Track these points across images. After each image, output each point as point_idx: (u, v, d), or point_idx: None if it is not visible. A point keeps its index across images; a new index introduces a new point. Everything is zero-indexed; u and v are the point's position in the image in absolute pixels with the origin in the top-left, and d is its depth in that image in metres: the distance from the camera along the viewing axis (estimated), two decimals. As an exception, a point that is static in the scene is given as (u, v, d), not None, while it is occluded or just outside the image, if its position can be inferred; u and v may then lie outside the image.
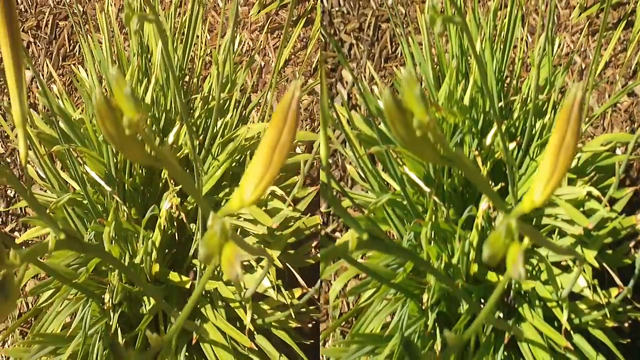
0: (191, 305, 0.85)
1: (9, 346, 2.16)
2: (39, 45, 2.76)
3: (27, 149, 0.84)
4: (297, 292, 1.88)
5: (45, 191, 2.05)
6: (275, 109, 0.63)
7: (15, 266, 0.69)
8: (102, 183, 1.86)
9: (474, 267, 1.67)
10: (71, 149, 1.78)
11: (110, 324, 1.76)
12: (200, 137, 1.99)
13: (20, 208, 2.36)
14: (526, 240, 1.32)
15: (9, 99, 1.63)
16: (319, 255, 2.09)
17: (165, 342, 0.84)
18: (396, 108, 0.61)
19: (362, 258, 1.84)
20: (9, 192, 2.43)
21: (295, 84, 0.62)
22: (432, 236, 1.65)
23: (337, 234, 2.28)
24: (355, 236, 0.76)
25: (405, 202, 1.75)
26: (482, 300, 1.77)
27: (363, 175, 1.85)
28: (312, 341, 2.01)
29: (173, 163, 0.69)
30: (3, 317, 0.68)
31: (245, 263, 1.88)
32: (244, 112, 2.08)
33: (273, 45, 2.76)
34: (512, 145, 1.79)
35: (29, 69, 2.56)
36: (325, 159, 0.77)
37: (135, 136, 0.64)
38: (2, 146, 2.52)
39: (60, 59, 2.72)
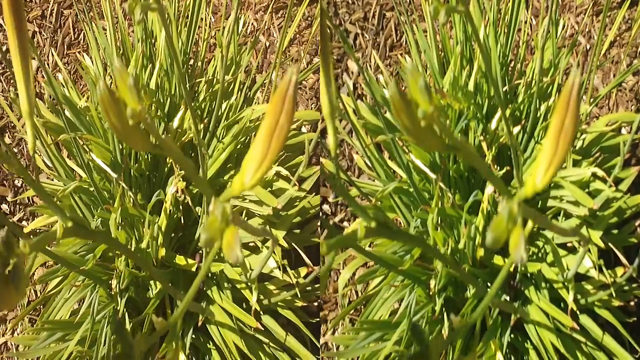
0: (195, 286, 0.86)
1: (18, 334, 2.18)
2: (44, 35, 2.76)
3: (35, 139, 0.85)
4: (303, 270, 1.89)
5: (52, 180, 2.06)
6: (272, 96, 0.65)
7: (24, 255, 0.70)
8: (108, 170, 1.87)
9: (480, 252, 1.68)
10: (77, 137, 1.78)
11: (118, 308, 1.77)
12: (205, 120, 2.00)
13: (28, 197, 2.38)
14: (530, 223, 1.33)
15: (16, 89, 1.64)
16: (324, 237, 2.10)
17: (170, 325, 0.85)
18: (401, 100, 0.63)
19: (369, 246, 1.85)
20: (16, 182, 2.44)
21: (292, 70, 0.64)
22: (439, 222, 1.66)
23: (345, 223, 2.29)
24: (363, 224, 0.78)
25: (411, 190, 1.76)
26: (488, 284, 1.78)
27: (370, 164, 1.86)
28: (318, 319, 2.02)
29: (176, 150, 0.71)
30: (12, 306, 0.69)
31: (251, 244, 1.89)
32: (249, 93, 2.09)
33: (278, 25, 2.76)
34: (516, 129, 1.79)
35: (34, 58, 2.57)
36: (333, 150, 0.79)
37: (139, 126, 0.66)
38: (9, 136, 2.53)
39: (65, 47, 2.73)
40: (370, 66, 2.58)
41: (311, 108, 2.56)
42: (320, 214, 2.30)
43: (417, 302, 1.66)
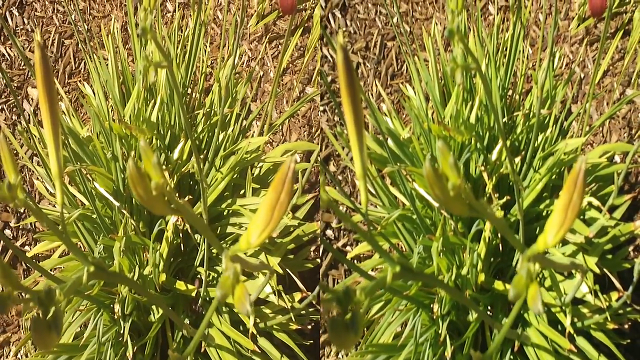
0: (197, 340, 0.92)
1: (21, 357, 2.20)
2: (37, 88, 2.78)
3: (63, 200, 0.92)
4: (297, 295, 1.93)
5: (54, 206, 2.09)
6: (275, 176, 0.75)
7: (60, 302, 0.76)
8: (111, 198, 1.90)
9: (482, 277, 1.72)
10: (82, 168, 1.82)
11: (122, 332, 1.80)
12: (204, 152, 2.03)
13: (30, 223, 2.40)
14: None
15: (19, 117, 1.68)
16: (317, 260, 2.14)
17: (185, 358, 0.92)
18: (434, 174, 0.72)
19: (372, 271, 1.88)
20: (19, 207, 2.46)
21: (292, 159, 0.74)
22: (442, 249, 1.70)
23: (348, 247, 2.32)
24: (391, 270, 0.86)
25: (414, 217, 1.80)
26: (490, 308, 1.82)
27: (373, 191, 1.90)
28: (312, 342, 2.05)
29: (191, 213, 0.81)
30: (51, 347, 0.76)
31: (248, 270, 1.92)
32: (244, 122, 2.12)
33: (271, 54, 2.80)
34: (516, 160, 1.83)
35: (36, 87, 2.60)
36: (365, 204, 0.87)
37: (161, 195, 0.76)
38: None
39: (66, 76, 2.76)
40: (372, 95, 2.62)
41: (304, 136, 2.60)
42: (325, 238, 2.33)
43: (421, 325, 1.70)
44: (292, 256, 2.06)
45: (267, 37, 2.82)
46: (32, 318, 0.75)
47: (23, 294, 0.77)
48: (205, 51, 2.24)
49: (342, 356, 2.11)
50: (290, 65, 2.76)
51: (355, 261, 2.17)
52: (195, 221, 0.82)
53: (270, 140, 2.56)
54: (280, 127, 2.60)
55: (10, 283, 0.78)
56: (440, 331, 1.68)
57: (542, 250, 0.81)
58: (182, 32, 2.19)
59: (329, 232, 2.36)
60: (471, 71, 1.78)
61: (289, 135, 2.60)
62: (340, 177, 2.43)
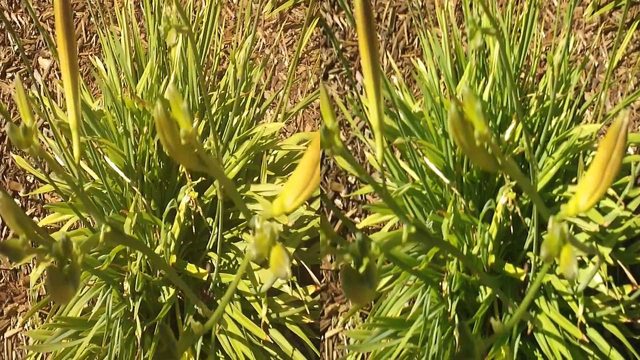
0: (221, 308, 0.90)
1: (27, 328, 2.19)
2: (57, 36, 2.78)
3: (80, 151, 0.91)
4: (311, 288, 1.91)
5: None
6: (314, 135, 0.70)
7: (77, 256, 0.73)
8: (122, 174, 1.88)
9: (492, 258, 1.70)
10: (92, 141, 1.80)
11: (131, 311, 1.79)
12: (218, 134, 2.02)
13: (39, 194, 2.39)
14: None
15: (30, 86, 1.67)
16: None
17: (206, 330, 0.90)
18: (460, 120, 0.68)
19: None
20: (28, 178, 2.45)
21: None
22: (452, 226, 1.68)
23: (357, 219, 2.30)
24: (407, 230, 0.82)
25: (424, 192, 1.78)
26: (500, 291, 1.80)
27: (385, 164, 1.87)
28: (321, 338, 2.04)
29: (219, 169, 0.76)
30: (68, 301, 0.73)
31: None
32: (258, 109, 2.10)
33: (286, 43, 2.79)
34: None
35: (48, 57, 2.58)
36: (381, 159, 0.83)
37: (189, 145, 0.71)
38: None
39: (78, 49, 2.74)
40: (383, 67, 2.60)
41: (318, 128, 2.58)
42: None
43: (430, 302, 1.68)
44: (305, 249, 2.04)
45: (282, 25, 2.80)
46: (48, 269, 0.72)
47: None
48: (219, 35, 2.22)
49: (349, 327, 2.09)
50: (306, 55, 2.74)
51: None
52: (221, 178, 0.78)
53: (284, 130, 2.55)
54: (295, 118, 2.59)
55: (24, 231, 0.75)
56: (449, 310, 1.67)
57: (572, 215, 0.75)
58: (195, 13, 2.17)
59: (337, 202, 2.34)
60: (484, 50, 1.77)
61: (303, 127, 2.59)
62: (350, 147, 2.40)
